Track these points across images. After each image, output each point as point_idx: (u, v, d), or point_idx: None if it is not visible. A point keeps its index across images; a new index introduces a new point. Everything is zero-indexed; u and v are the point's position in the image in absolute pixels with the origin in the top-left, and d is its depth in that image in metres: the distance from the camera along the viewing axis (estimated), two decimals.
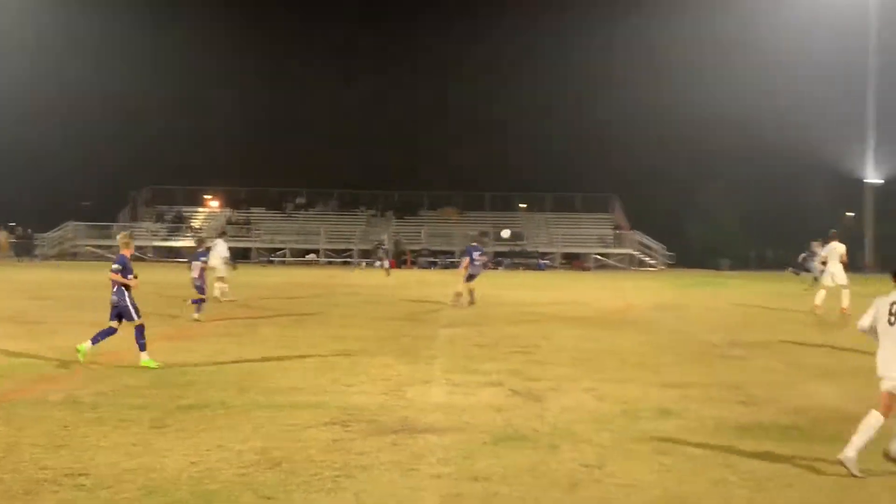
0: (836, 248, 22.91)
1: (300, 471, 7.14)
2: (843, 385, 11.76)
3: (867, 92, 64.35)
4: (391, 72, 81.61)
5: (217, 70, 75.15)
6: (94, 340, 12.56)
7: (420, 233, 62.92)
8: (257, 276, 35.39)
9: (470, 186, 69.40)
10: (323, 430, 8.58)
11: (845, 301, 21.87)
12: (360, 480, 6.91)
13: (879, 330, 7.64)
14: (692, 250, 65.17)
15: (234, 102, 77.88)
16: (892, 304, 7.51)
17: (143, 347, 12.47)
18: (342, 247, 62.22)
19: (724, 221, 67.71)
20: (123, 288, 12.57)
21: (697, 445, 8.23)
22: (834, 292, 22.40)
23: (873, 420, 7.32)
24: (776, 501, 6.59)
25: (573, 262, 60.63)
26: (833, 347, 15.66)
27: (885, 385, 7.50)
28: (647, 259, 61.82)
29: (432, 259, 59.09)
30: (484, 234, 63.12)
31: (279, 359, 13.18)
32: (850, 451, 7.26)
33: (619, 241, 63.21)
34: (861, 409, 9.99)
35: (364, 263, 55.00)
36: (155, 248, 60.31)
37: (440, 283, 30.85)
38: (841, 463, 7.27)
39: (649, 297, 29.77)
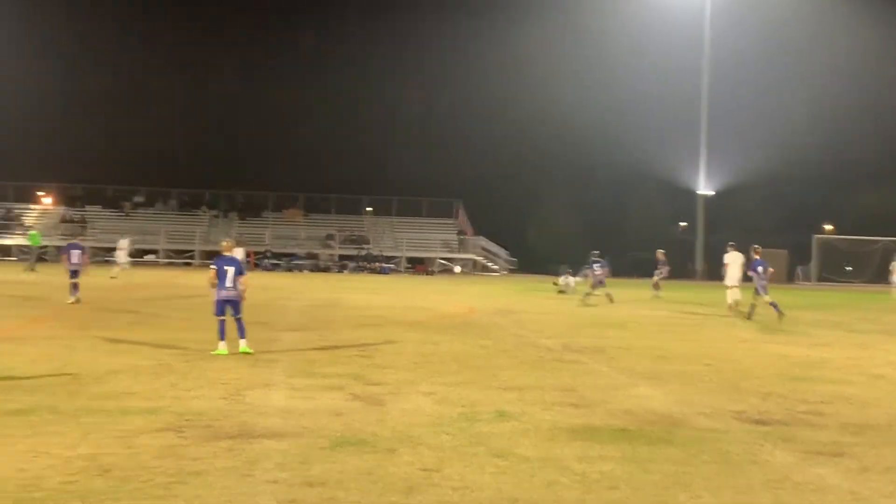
0: (736, 256, 27.12)
1: (131, 478, 6.95)
2: (669, 389, 12.25)
3: (700, 109, 67.31)
4: (236, 70, 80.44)
5: (51, 62, 72.39)
6: None
7: (264, 234, 62.11)
8: (94, 277, 34.12)
9: (315, 188, 69.04)
10: (156, 436, 8.38)
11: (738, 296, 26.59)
12: (193, 487, 6.78)
13: None
14: (534, 256, 66.67)
15: (70, 96, 75.20)
16: None
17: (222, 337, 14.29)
18: (183, 248, 60.80)
19: (565, 228, 69.53)
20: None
21: (532, 447, 8.43)
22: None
23: None
24: (604, 502, 6.81)
25: (417, 266, 61.03)
26: (661, 353, 16.26)
27: None
28: (490, 264, 62.86)
29: (276, 261, 58.40)
30: (330, 236, 62.99)
31: (111, 362, 12.76)
32: None
33: (463, 247, 64.02)
34: (684, 411, 10.50)
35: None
36: None
37: (283, 287, 30.53)
38: None
39: (491, 301, 30.27)
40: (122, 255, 42.48)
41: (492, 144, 74.50)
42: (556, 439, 8.86)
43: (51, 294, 26.96)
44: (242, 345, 14.39)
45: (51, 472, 7.04)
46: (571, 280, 37.81)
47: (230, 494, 6.62)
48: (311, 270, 57.67)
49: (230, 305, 14.48)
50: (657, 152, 65.56)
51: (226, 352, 14.11)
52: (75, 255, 24.04)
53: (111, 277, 36.56)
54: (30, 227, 54.69)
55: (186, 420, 9.10)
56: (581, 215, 71.11)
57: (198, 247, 59.95)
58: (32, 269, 41.50)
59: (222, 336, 14.29)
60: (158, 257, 59.35)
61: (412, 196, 68.36)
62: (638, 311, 27.67)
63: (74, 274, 23.63)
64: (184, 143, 75.34)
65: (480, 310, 26.09)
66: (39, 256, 44.61)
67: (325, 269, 58.16)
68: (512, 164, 74.54)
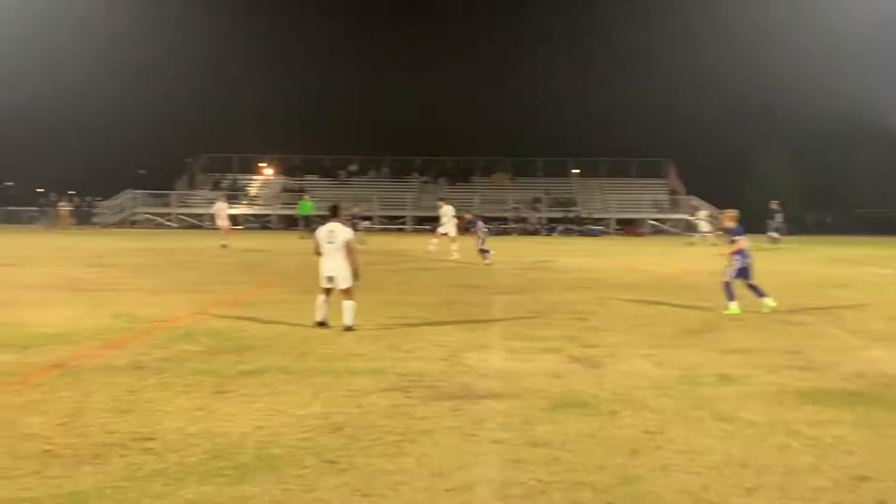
0: None
1: (362, 436, 7.21)
2: None
3: None
4: (443, 36, 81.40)
5: (271, 39, 75.66)
6: (761, 295, 15.49)
7: (473, 199, 62.80)
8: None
9: (522, 152, 69.08)
10: (383, 395, 8.65)
11: None
12: (421, 445, 6.96)
13: None
14: (749, 215, 64.14)
15: (289, 71, 78.47)
16: None
17: (761, 294, 15.50)
18: (396, 213, 62.36)
19: (782, 186, 66.61)
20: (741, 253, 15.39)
21: (759, 411, 8.18)
22: None
23: None
24: (839, 467, 6.53)
25: (627, 227, 60.15)
26: (894, 314, 15.41)
27: None
28: (703, 224, 61.17)
29: (485, 226, 58.87)
30: (538, 199, 63.01)
31: (336, 325, 13.21)
32: None
33: (674, 207, 62.58)
34: None
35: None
36: (211, 215, 60.88)
37: (493, 251, 30.80)
38: None
39: (706, 262, 29.46)
40: (704, 226, 44.85)
41: (704, 101, 72.10)
42: (784, 403, 8.57)
43: (277, 260, 28.31)
44: (767, 301, 15.40)
45: (287, 429, 7.40)
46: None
47: (457, 453, 6.75)
48: (520, 234, 57.88)
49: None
50: (882, 102, 61.46)
51: (738, 311, 15.08)
52: (481, 226, 29.00)
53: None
54: (301, 196, 55.87)
55: (410, 381, 9.35)
56: (801, 172, 67.91)
57: (409, 212, 61.30)
58: (307, 237, 43.57)
59: (731, 297, 15.31)
60: (372, 223, 61.11)
61: (621, 157, 67.38)
62: (864, 270, 26.29)
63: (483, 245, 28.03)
64: (394, 111, 77.18)
65: (696, 271, 25.47)
66: (310, 224, 45.82)
67: (534, 232, 58.25)
68: (724, 121, 72.02)
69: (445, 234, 31.03)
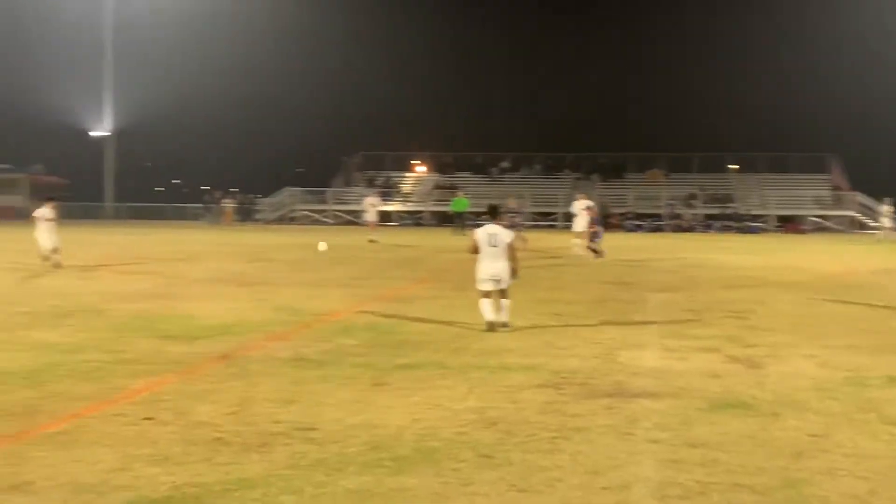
0: None
1: (517, 431, 7.24)
2: None
3: None
4: (595, 34, 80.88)
5: (424, 40, 76.73)
6: None
7: (626, 196, 61.97)
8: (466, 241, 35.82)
9: (677, 147, 67.74)
10: (537, 391, 8.67)
11: None
12: (575, 442, 6.95)
13: None
14: None
15: (442, 70, 79.37)
16: None
17: None
18: (548, 210, 62.15)
19: None
20: None
21: None
22: None
23: None
24: None
25: (788, 225, 58.17)
26: None
27: None
28: (870, 222, 58.67)
29: (638, 223, 58.07)
30: (693, 196, 61.69)
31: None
32: None
33: (838, 203, 60.16)
34: None
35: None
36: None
37: (647, 248, 30.40)
38: None
39: (873, 260, 28.30)
40: (887, 221, 43.34)
41: (871, 94, 69.08)
42: None
43: (430, 256, 28.69)
44: None
45: (443, 423, 7.50)
46: None
47: (612, 452, 6.71)
48: (674, 230, 56.81)
49: None
50: None
51: None
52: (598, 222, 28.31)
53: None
54: (454, 193, 55.09)
55: (563, 377, 9.33)
56: None
57: (561, 209, 60.97)
58: (463, 234, 42.68)
59: None
60: (524, 220, 61.05)
61: (781, 151, 65.20)
62: None
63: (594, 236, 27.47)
64: (547, 108, 77.17)
65: (861, 269, 24.47)
66: (467, 222, 43.71)
67: (689, 229, 57.07)
68: (892, 113, 68.80)
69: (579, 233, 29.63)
